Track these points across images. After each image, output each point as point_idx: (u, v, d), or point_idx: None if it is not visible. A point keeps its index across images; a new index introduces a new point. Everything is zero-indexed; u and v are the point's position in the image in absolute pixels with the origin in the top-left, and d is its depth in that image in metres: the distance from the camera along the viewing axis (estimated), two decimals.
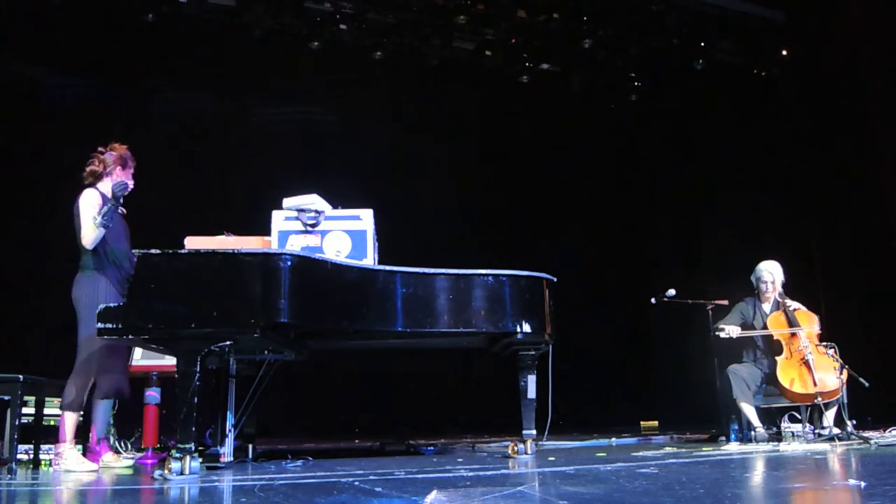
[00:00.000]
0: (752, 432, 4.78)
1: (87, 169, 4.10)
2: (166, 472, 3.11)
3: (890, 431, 4.69)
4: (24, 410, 4.06)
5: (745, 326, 5.18)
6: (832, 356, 4.62)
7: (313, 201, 3.98)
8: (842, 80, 7.53)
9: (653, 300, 5.49)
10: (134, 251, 3.44)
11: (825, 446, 4.24)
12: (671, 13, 7.89)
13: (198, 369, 3.21)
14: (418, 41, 7.89)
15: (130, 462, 4.20)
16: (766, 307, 5.21)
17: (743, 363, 5.09)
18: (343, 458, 4.44)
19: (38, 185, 6.43)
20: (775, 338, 5.00)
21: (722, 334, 5.03)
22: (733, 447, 4.48)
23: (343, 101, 8.38)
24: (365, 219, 4.03)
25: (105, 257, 3.95)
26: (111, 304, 3.28)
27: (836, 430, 4.56)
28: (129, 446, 4.97)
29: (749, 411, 4.86)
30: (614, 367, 8.62)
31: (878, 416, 5.48)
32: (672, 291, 5.37)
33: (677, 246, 8.99)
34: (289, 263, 3.39)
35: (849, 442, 4.34)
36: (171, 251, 3.32)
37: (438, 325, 3.88)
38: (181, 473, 3.12)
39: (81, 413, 3.94)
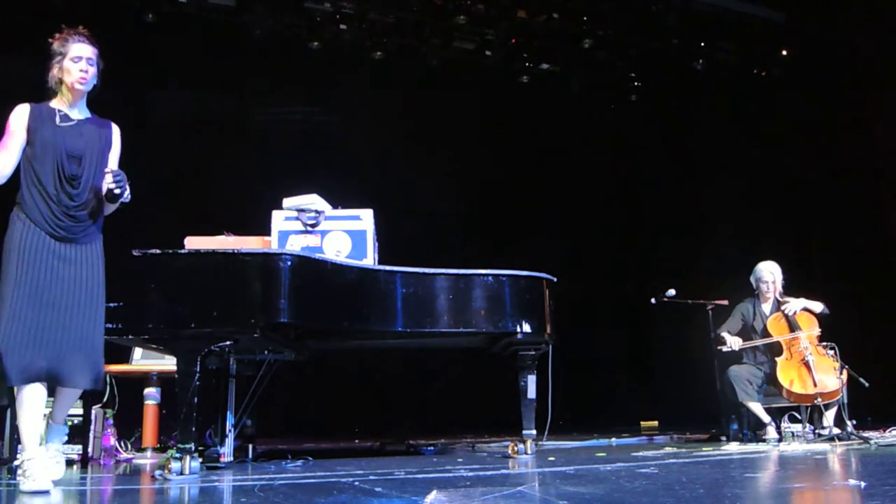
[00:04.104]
0: (764, 430, 4.78)
1: None
2: (166, 472, 3.11)
3: (890, 431, 4.68)
4: None
5: (745, 328, 5.19)
6: (832, 357, 4.62)
7: (313, 201, 3.98)
8: (841, 79, 7.53)
9: (653, 300, 5.49)
10: (134, 251, 3.41)
11: (825, 446, 4.24)
12: (671, 13, 7.90)
13: (198, 369, 3.20)
14: (418, 41, 7.90)
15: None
16: (766, 308, 5.20)
17: (743, 363, 5.09)
18: (343, 458, 4.44)
19: None
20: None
21: (724, 348, 5.01)
22: (733, 447, 4.48)
23: (343, 101, 8.37)
24: (365, 219, 4.03)
25: (26, 187, 2.91)
26: (110, 305, 3.17)
27: (836, 430, 4.56)
28: (129, 446, 4.97)
29: (757, 408, 4.85)
30: (614, 367, 8.62)
31: (878, 416, 5.48)
32: (672, 291, 5.37)
33: (677, 246, 8.98)
34: (289, 263, 3.39)
35: (849, 442, 4.34)
36: (171, 251, 3.33)
37: (438, 325, 3.88)
38: (181, 473, 3.12)
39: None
